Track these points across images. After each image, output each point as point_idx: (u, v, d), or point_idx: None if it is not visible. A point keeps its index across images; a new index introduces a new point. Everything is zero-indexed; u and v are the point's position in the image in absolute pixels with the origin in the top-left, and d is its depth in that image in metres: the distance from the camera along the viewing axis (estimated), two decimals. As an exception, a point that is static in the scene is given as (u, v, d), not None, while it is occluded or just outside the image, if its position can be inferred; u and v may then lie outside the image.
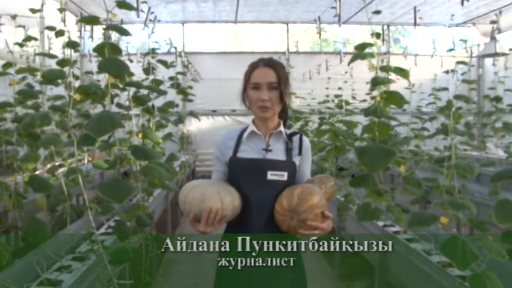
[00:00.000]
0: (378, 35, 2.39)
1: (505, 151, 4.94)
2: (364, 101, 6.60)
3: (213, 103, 10.10)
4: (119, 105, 3.12)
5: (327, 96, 6.71)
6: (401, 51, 9.70)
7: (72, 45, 1.80)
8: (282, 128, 1.72)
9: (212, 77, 9.92)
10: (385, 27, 9.62)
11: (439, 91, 4.39)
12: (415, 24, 5.59)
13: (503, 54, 5.14)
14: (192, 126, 9.65)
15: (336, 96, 5.77)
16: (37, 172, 3.50)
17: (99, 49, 2.00)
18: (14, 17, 2.95)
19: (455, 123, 3.15)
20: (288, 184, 1.63)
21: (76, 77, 2.86)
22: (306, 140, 1.76)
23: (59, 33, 1.81)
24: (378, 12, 2.42)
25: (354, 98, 6.76)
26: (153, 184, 2.84)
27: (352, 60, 2.34)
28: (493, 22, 5.67)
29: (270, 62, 1.68)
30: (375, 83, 2.28)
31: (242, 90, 1.73)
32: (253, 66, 1.68)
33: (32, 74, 3.07)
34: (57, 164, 3.33)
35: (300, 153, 1.71)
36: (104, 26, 1.98)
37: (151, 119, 3.42)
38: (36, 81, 3.14)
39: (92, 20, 1.99)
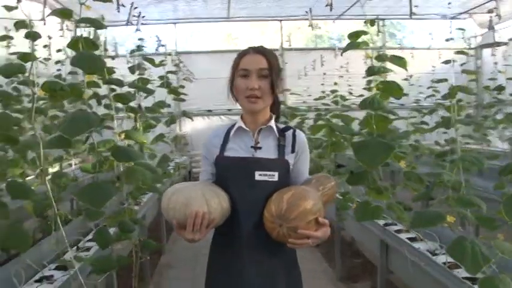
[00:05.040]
0: (371, 23, 2.24)
1: (510, 143, 4.77)
2: (362, 95, 6.44)
3: (208, 103, 9.86)
4: (99, 102, 2.95)
5: (323, 92, 6.57)
6: (397, 46, 9.59)
7: (32, 36, 1.64)
8: (272, 122, 1.55)
9: (207, 76, 9.71)
10: (381, 21, 9.48)
11: (439, 83, 4.24)
12: (410, 15, 5.42)
13: (503, 43, 5.00)
14: (187, 127, 9.46)
15: (332, 91, 5.64)
16: (28, 178, 3.37)
17: (73, 44, 1.85)
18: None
19: (457, 116, 3.03)
20: (280, 185, 1.46)
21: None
22: (301, 135, 1.58)
23: (21, 25, 1.65)
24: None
25: (350, 93, 6.60)
26: (140, 187, 2.69)
27: (345, 49, 2.19)
28: (490, 11, 5.52)
29: (260, 49, 1.51)
30: (371, 72, 2.13)
31: (229, 80, 1.56)
32: (242, 54, 1.52)
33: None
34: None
35: (293, 150, 1.53)
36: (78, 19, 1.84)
37: (138, 119, 3.26)
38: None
39: (65, 13, 1.84)
